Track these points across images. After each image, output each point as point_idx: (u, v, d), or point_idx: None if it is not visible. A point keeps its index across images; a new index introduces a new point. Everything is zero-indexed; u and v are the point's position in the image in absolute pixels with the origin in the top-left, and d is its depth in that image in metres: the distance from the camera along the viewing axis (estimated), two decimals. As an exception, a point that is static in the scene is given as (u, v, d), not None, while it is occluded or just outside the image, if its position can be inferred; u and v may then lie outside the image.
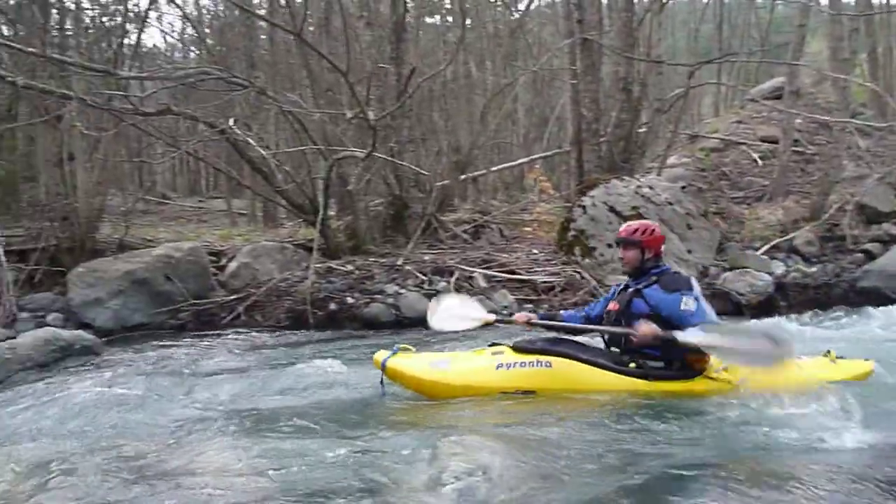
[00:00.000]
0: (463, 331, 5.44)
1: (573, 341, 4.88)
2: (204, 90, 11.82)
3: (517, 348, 4.73)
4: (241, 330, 9.02)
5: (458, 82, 15.01)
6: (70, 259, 9.98)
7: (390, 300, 9.40)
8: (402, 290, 9.55)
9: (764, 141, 15.41)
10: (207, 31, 18.27)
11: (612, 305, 4.83)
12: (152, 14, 22.18)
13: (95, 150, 10.81)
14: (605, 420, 4.13)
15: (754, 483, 3.19)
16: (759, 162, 14.66)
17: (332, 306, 9.34)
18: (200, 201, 21.56)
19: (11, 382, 6.16)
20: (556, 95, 17.89)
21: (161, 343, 8.31)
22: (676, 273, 4.84)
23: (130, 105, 9.41)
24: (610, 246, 9.75)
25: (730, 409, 4.23)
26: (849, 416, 4.05)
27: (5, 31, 13.23)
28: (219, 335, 8.74)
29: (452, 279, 9.72)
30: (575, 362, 4.57)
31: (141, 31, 17.37)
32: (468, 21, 14.29)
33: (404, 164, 10.67)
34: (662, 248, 4.84)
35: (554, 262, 10.26)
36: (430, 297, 9.42)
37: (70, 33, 13.77)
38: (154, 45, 21.10)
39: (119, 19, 13.60)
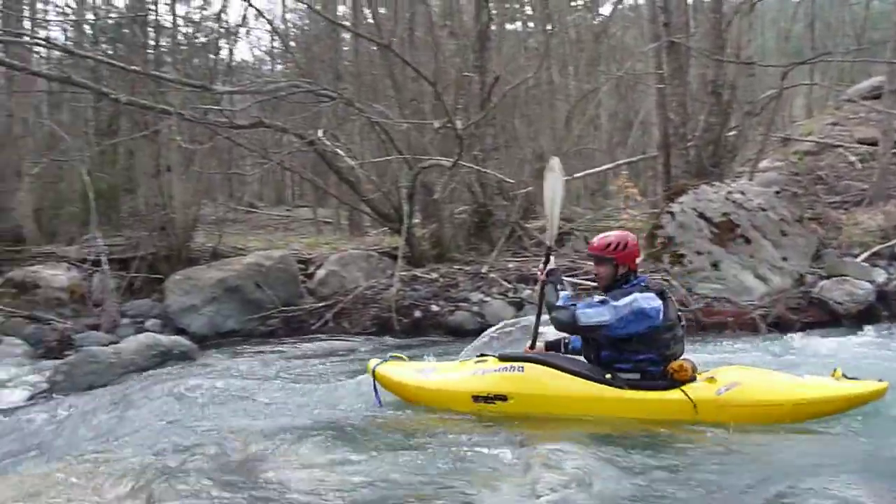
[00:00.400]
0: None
1: (565, 356, 4.83)
2: (292, 102, 12.11)
3: (501, 357, 4.81)
4: (329, 336, 9.21)
5: (540, 88, 14.93)
6: (167, 267, 10.40)
7: (475, 308, 9.41)
8: (487, 298, 9.55)
9: (862, 143, 14.77)
10: (293, 44, 18.71)
11: None
12: (242, 29, 22.85)
13: (191, 162, 11.24)
14: (566, 432, 4.13)
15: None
16: (858, 165, 14.06)
17: (417, 313, 9.42)
18: (287, 210, 22.05)
19: (116, 385, 6.43)
20: (640, 99, 17.60)
21: (253, 349, 8.57)
22: (640, 286, 4.50)
23: (224, 118, 9.74)
24: (700, 253, 9.53)
25: (699, 431, 4.12)
26: (835, 440, 3.87)
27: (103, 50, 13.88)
28: (308, 341, 8.94)
29: (538, 286, 9.64)
30: (547, 368, 4.56)
31: (232, 46, 17.93)
32: (550, 27, 14.21)
33: (489, 171, 10.68)
34: (638, 260, 4.66)
35: (641, 270, 10.05)
36: (514, 304, 9.47)
37: (165, 50, 14.36)
38: (242, 59, 21.77)
39: (212, 36, 14.09)
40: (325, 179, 14.30)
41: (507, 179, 10.86)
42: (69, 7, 15.77)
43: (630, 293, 4.37)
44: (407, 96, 11.60)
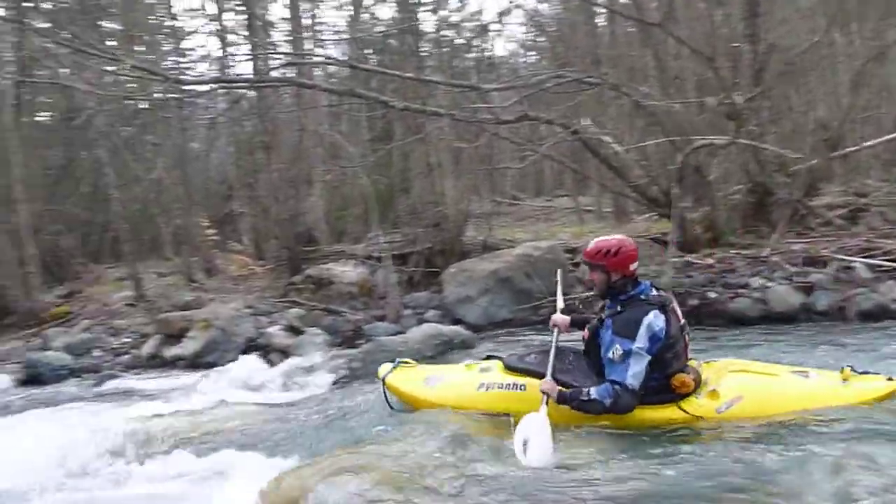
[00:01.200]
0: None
1: (569, 358, 4.58)
2: (551, 93, 12.16)
3: (505, 365, 4.75)
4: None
5: (818, 52, 13.56)
6: (442, 260, 11.01)
7: (756, 294, 8.80)
8: (770, 283, 8.89)
9: None
10: (549, 31, 18.75)
11: (585, 332, 4.58)
12: (498, 25, 23.35)
13: (459, 160, 11.76)
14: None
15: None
16: None
17: (693, 301, 8.98)
18: (547, 200, 22.24)
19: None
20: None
21: (526, 338, 8.72)
22: (642, 304, 4.25)
23: (490, 115, 10.03)
24: None
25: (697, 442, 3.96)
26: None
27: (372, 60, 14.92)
28: (580, 331, 8.90)
29: (829, 270, 8.83)
30: None
31: (493, 44, 18.49)
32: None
33: (769, 147, 9.91)
34: (633, 266, 4.38)
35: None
36: (803, 290, 8.71)
37: (427, 55, 15.10)
38: (498, 55, 22.24)
39: (473, 36, 14.61)
40: (584, 167, 14.19)
41: (790, 154, 10.00)
42: (343, 23, 17.15)
43: (638, 321, 4.16)
44: (670, 75, 11.14)
